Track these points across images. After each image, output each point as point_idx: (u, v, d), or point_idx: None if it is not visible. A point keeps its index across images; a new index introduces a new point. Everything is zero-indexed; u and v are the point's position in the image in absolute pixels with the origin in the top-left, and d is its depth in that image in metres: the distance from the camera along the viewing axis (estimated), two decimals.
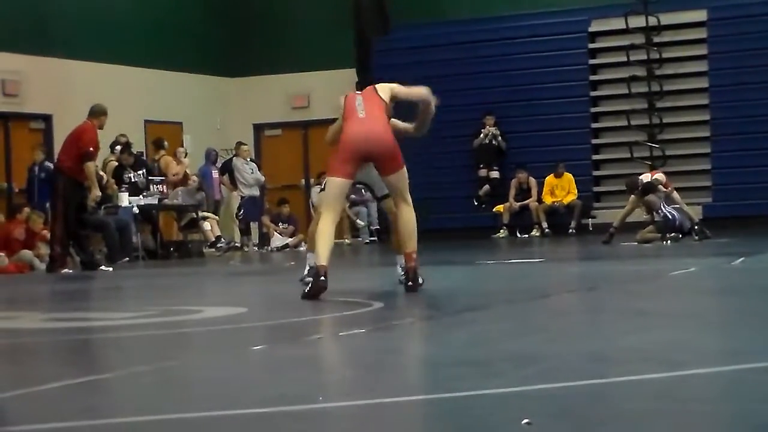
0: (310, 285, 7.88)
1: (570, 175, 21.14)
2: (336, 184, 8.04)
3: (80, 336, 6.70)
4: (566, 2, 22.35)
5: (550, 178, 21.14)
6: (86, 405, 4.15)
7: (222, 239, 19.70)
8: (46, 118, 20.34)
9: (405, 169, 8.24)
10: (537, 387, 4.10)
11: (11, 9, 19.62)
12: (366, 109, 8.17)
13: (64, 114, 20.16)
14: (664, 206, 16.22)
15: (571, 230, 20.69)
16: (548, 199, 21.04)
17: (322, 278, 7.75)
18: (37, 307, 9.73)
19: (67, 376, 4.78)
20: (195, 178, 20.09)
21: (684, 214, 16.39)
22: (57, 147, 19.77)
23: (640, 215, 16.96)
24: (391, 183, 8.20)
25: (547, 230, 20.73)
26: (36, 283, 13.45)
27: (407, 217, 8.16)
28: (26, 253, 16.00)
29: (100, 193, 15.05)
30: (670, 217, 16.13)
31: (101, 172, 17.68)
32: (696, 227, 16.25)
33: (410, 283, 7.97)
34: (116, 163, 18.62)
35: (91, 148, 14.60)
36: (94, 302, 10.48)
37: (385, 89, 8.37)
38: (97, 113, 14.91)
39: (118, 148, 18.94)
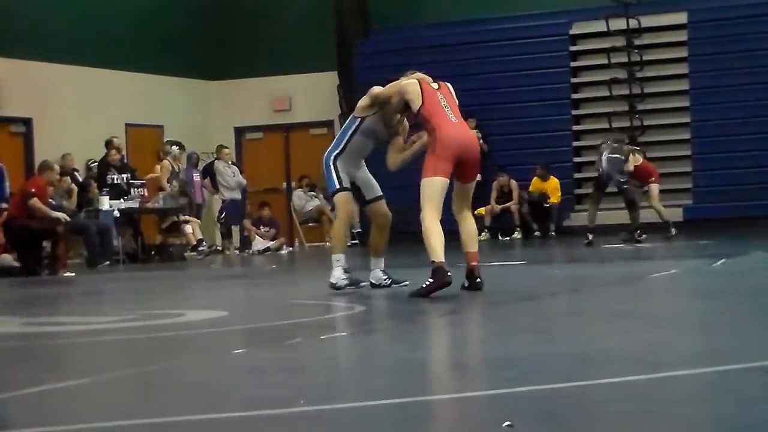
0: (431, 282, 7.85)
1: (556, 180, 21.10)
2: (441, 183, 8.14)
3: (60, 340, 6.67)
4: (547, 5, 22.37)
5: (535, 181, 21.13)
6: (67, 409, 4.14)
7: (203, 243, 19.64)
8: (27, 122, 20.26)
9: None
10: (519, 389, 4.10)
11: None
12: (453, 113, 8.50)
13: (44, 117, 20.11)
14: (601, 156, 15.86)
15: (551, 233, 20.72)
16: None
17: (449, 273, 7.86)
18: (16, 311, 9.68)
19: (48, 380, 4.75)
20: (175, 182, 19.93)
21: (614, 164, 15.75)
22: (37, 151, 19.78)
23: (622, 218, 16.80)
24: (468, 190, 8.42)
25: (537, 232, 20.76)
26: (15, 288, 13.38)
27: (473, 221, 8.48)
28: (5, 258, 15.92)
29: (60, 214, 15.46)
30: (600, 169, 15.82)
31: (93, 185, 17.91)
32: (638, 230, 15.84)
33: (478, 279, 8.20)
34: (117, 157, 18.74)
35: (33, 190, 15.26)
36: (74, 306, 10.44)
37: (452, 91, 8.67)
38: (42, 168, 15.88)
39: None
